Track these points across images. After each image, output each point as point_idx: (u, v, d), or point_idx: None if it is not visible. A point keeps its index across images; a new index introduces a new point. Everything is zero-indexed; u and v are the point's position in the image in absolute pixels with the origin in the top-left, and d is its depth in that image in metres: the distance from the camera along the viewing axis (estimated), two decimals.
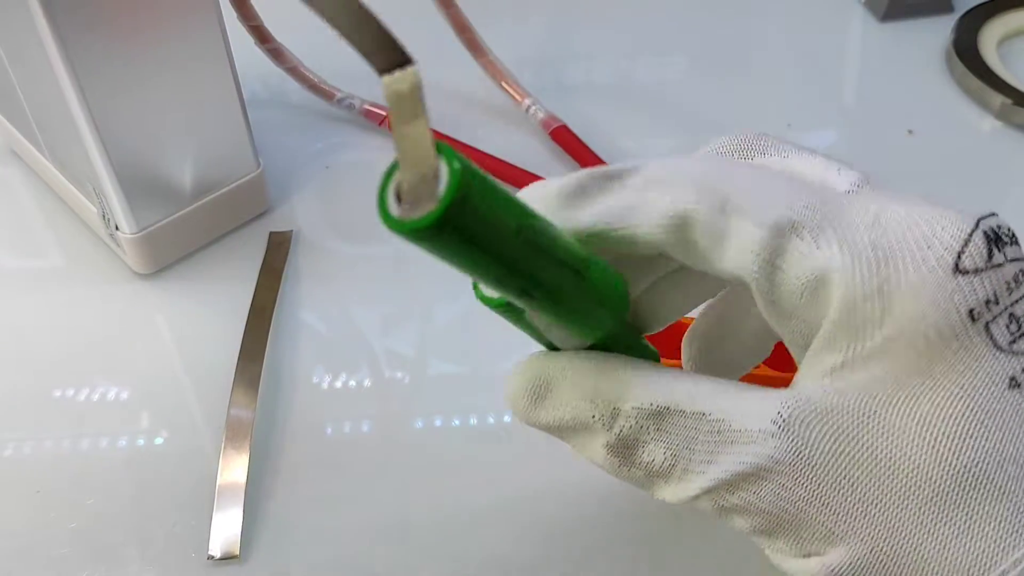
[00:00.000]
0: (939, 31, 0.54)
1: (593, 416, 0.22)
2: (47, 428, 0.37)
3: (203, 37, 0.38)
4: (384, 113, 0.47)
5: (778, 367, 0.34)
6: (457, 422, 0.37)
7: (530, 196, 0.21)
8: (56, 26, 0.33)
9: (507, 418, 0.37)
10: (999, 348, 0.19)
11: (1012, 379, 0.19)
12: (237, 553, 0.32)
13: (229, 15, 0.42)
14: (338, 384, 0.38)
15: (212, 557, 0.32)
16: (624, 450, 0.22)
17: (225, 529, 0.33)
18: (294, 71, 0.49)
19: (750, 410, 0.20)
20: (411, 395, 0.38)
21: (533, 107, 0.48)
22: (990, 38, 0.52)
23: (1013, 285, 0.19)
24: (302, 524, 0.33)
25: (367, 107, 0.48)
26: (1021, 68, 0.51)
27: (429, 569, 0.32)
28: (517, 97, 0.47)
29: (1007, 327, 0.19)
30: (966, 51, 0.51)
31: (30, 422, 0.37)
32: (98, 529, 0.33)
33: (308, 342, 0.40)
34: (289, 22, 0.47)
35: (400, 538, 0.33)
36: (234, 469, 0.34)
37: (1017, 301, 0.19)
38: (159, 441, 0.36)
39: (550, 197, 0.21)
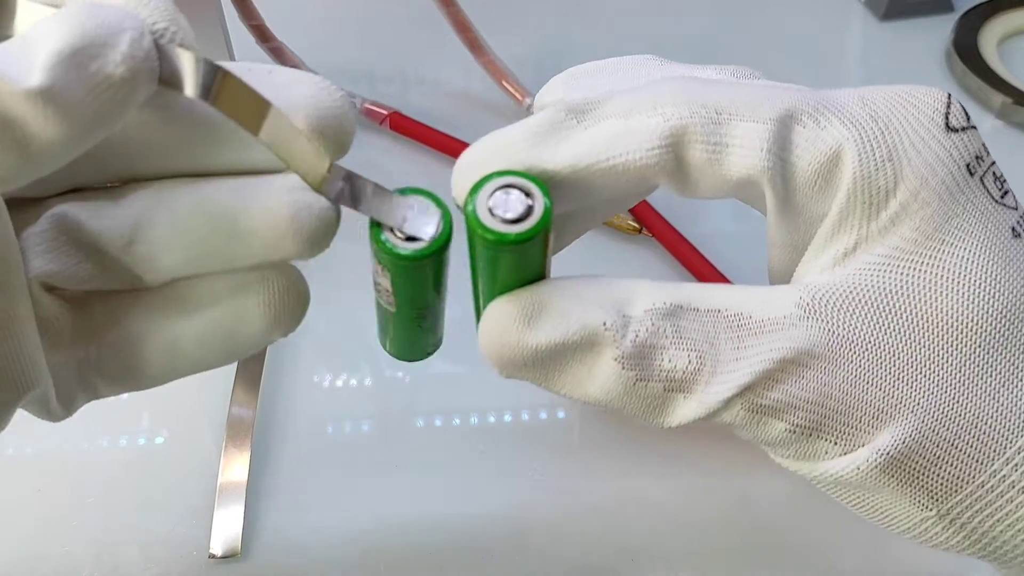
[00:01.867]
0: (939, 30, 0.54)
1: (604, 323, 0.19)
2: (48, 427, 0.37)
3: (205, 36, 0.38)
4: (385, 112, 0.47)
5: None
6: (457, 421, 0.37)
7: (492, 146, 0.20)
8: None
9: (508, 417, 0.37)
10: (995, 201, 0.20)
11: (1012, 229, 0.20)
12: (238, 552, 0.32)
13: (230, 14, 0.42)
14: (339, 383, 0.38)
15: (213, 556, 0.32)
16: (641, 360, 0.19)
17: (226, 528, 0.33)
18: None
19: (767, 300, 0.20)
20: (411, 394, 0.38)
21: (534, 106, 0.48)
22: (990, 37, 0.52)
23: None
24: (303, 523, 0.33)
25: (368, 106, 0.48)
26: (1021, 67, 0.51)
27: (429, 568, 0.32)
28: (518, 96, 0.47)
29: (994, 183, 0.20)
30: (966, 50, 0.51)
31: (30, 421, 0.37)
32: (99, 528, 0.33)
33: (309, 341, 0.40)
34: (290, 21, 0.47)
35: (401, 537, 0.33)
36: (235, 468, 0.34)
37: (993, 161, 0.20)
38: (160, 440, 0.36)
39: (517, 141, 0.20)
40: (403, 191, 0.20)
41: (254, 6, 0.46)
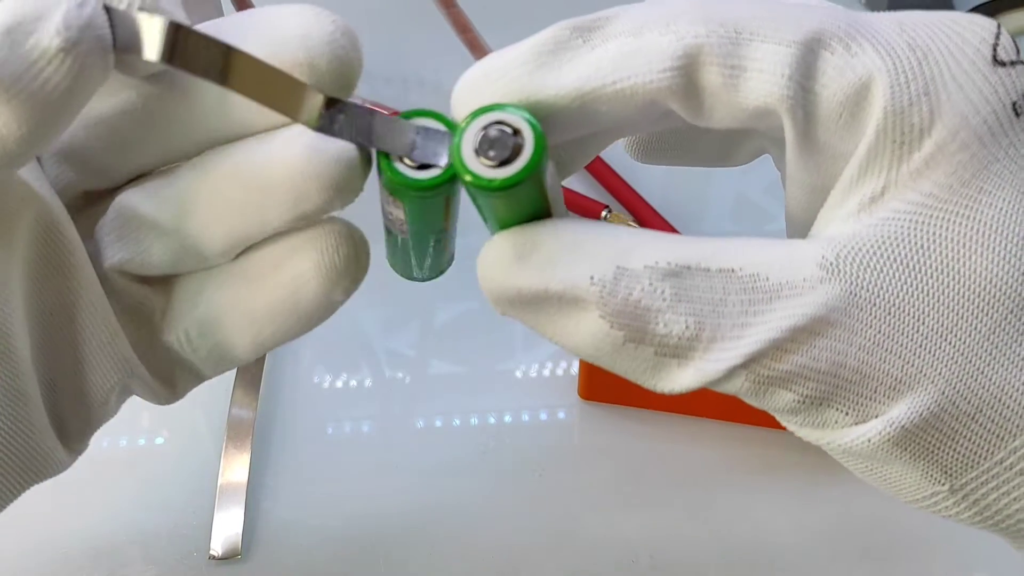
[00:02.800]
0: None
1: (592, 276, 0.17)
2: None
3: None
4: (386, 112, 0.47)
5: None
6: (458, 422, 0.37)
7: (491, 69, 0.19)
8: None
9: (507, 417, 0.37)
10: None
11: None
12: (239, 552, 0.32)
13: (230, 13, 0.42)
14: (339, 384, 0.38)
15: (214, 556, 0.32)
16: (631, 321, 0.17)
17: (227, 528, 0.33)
18: None
19: (787, 259, 0.17)
20: (411, 395, 0.38)
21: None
22: None
23: None
24: (303, 523, 0.33)
25: (367, 105, 0.48)
26: None
27: (430, 568, 0.32)
28: None
29: None
30: None
31: None
32: (100, 528, 0.33)
33: (309, 342, 0.40)
34: None
35: (401, 537, 0.33)
36: (235, 468, 0.34)
37: None
38: (160, 440, 0.36)
39: (521, 62, 0.18)
40: (408, 115, 0.18)
41: (254, 6, 0.46)
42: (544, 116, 0.18)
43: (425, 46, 0.50)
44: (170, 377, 0.22)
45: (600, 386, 0.37)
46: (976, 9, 0.53)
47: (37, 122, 0.17)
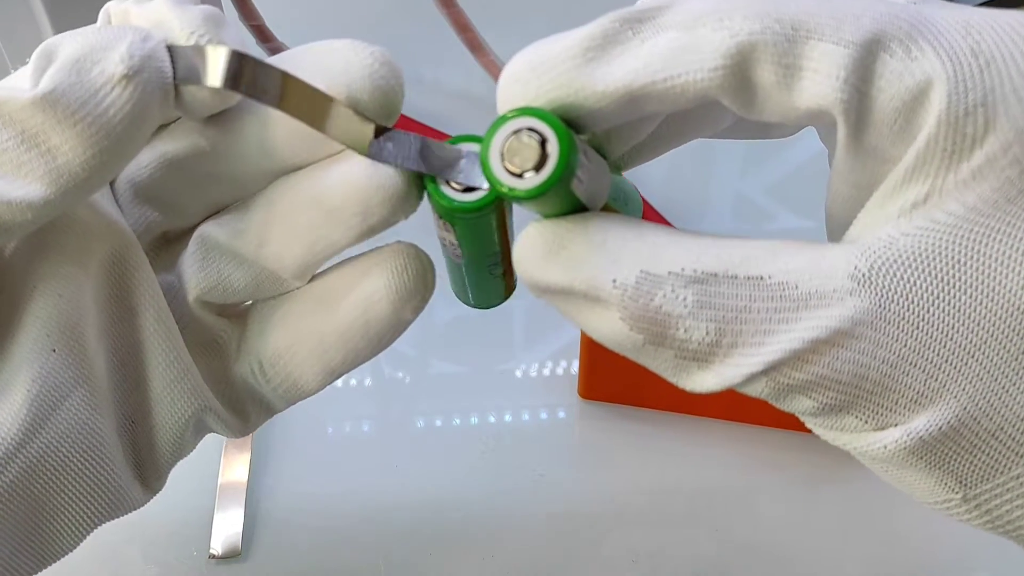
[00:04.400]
0: None
1: (614, 280, 0.18)
2: None
3: None
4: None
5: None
6: (458, 421, 0.37)
7: (537, 62, 0.18)
8: (58, 26, 0.33)
9: (508, 417, 0.37)
10: None
11: None
12: (239, 552, 0.32)
13: (231, 14, 0.42)
14: (339, 384, 0.38)
15: (214, 555, 0.32)
16: (652, 326, 0.18)
17: (227, 527, 0.33)
18: None
19: (818, 267, 0.17)
20: (411, 395, 0.38)
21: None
22: None
23: None
24: (303, 523, 0.33)
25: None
26: None
27: (430, 568, 0.32)
28: None
29: None
30: None
31: None
32: (100, 527, 0.33)
33: None
34: (290, 21, 0.47)
35: (401, 537, 0.33)
36: (235, 468, 0.34)
37: None
38: None
39: (569, 56, 0.18)
40: (454, 140, 0.19)
41: (254, 6, 0.46)
42: (590, 111, 0.18)
43: (425, 46, 0.51)
44: (243, 410, 0.23)
45: (600, 386, 0.37)
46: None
47: (102, 147, 0.18)
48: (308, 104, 0.19)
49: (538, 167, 0.17)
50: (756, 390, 0.18)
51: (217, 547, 0.32)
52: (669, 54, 0.17)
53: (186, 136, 0.21)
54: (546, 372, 0.39)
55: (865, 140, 0.18)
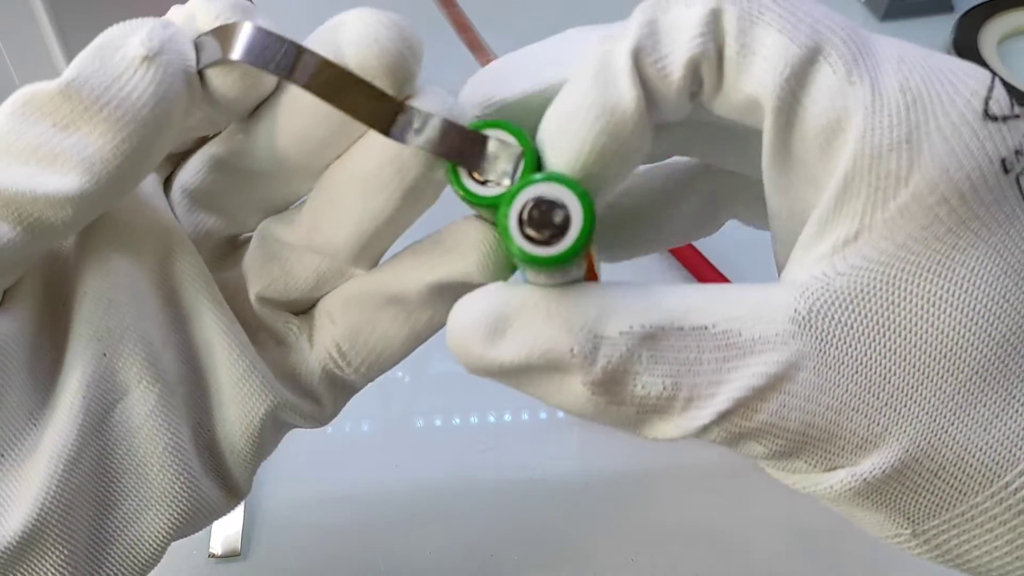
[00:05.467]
0: (940, 30, 0.54)
1: (572, 349, 0.17)
2: None
3: None
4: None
5: None
6: (458, 421, 0.37)
7: (560, 127, 0.18)
8: (59, 25, 0.33)
9: (507, 417, 0.37)
10: None
11: None
12: (238, 551, 0.32)
13: None
14: None
15: (213, 555, 0.32)
16: (612, 386, 0.17)
17: (226, 527, 0.33)
18: None
19: (760, 312, 0.17)
20: (411, 394, 0.38)
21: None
22: (990, 37, 0.52)
23: None
24: (303, 522, 0.33)
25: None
26: (1021, 67, 0.51)
27: (429, 568, 0.32)
28: None
29: None
30: (966, 50, 0.51)
31: None
32: None
33: None
34: (290, 23, 0.47)
35: (401, 537, 0.33)
36: None
37: None
38: None
39: (582, 114, 0.17)
40: (479, 125, 0.18)
41: (253, 3, 0.46)
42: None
43: (425, 46, 0.50)
44: (320, 399, 0.23)
45: None
46: (976, 9, 0.53)
47: (129, 131, 0.18)
48: (326, 79, 0.18)
49: (557, 235, 0.16)
50: (711, 438, 0.18)
51: (217, 547, 0.32)
52: (660, 35, 0.17)
53: (231, 137, 0.21)
54: None
55: (790, 149, 0.18)
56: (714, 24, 0.17)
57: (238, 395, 0.21)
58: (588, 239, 0.16)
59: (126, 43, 0.18)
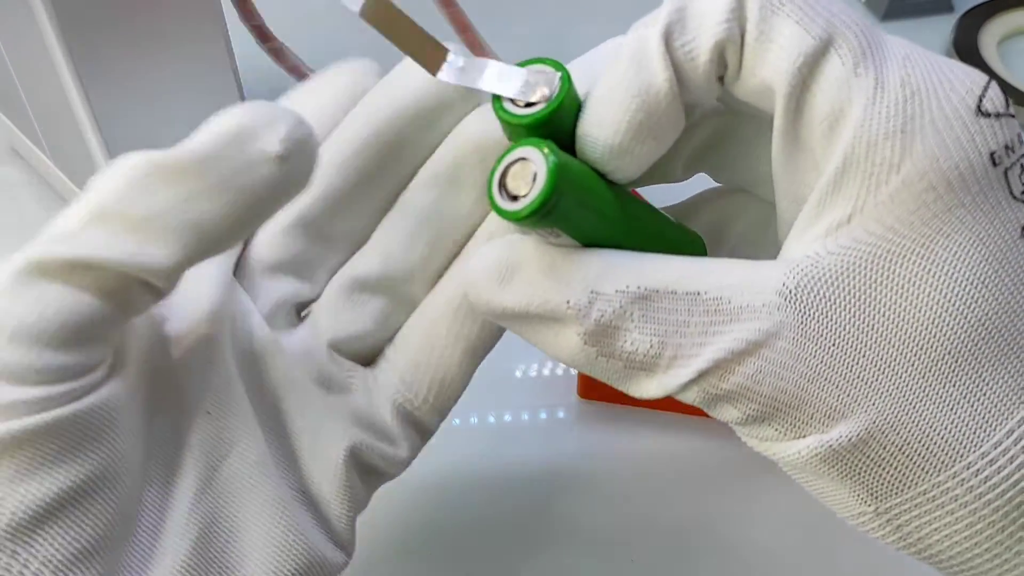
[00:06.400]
0: (940, 30, 0.54)
1: (568, 301, 0.19)
2: None
3: (205, 37, 0.38)
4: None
5: None
6: (457, 422, 0.37)
7: (606, 110, 0.19)
8: (59, 25, 0.33)
9: (507, 417, 0.37)
10: (1014, 197, 0.18)
11: (1023, 228, 0.18)
12: None
13: (231, 15, 0.42)
14: None
15: None
16: (602, 339, 0.19)
17: None
18: (295, 70, 0.49)
19: (751, 283, 0.18)
20: None
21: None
22: (990, 37, 0.52)
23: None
24: None
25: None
26: (1021, 67, 0.51)
27: (429, 569, 0.32)
28: None
29: (1019, 177, 0.18)
30: (966, 50, 0.51)
31: None
32: None
33: None
34: (290, 21, 0.47)
35: (400, 537, 0.33)
36: None
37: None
38: None
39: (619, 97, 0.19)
40: (523, 63, 0.19)
41: (254, 6, 0.46)
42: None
43: None
44: (395, 438, 0.24)
45: (600, 386, 0.37)
46: (976, 9, 0.53)
47: (245, 216, 0.19)
48: (396, 24, 0.19)
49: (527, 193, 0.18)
50: (690, 397, 0.19)
51: None
52: (685, 16, 0.19)
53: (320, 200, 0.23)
54: (545, 372, 0.39)
55: (798, 133, 0.19)
56: (738, 11, 0.18)
57: (316, 445, 0.22)
58: (544, 202, 0.18)
59: (266, 137, 0.19)
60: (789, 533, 0.34)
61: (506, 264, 0.20)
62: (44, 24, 0.33)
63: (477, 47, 0.48)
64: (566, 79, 0.19)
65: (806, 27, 0.18)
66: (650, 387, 0.19)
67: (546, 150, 0.18)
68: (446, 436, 0.38)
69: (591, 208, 0.19)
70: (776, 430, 0.19)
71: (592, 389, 0.37)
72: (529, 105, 0.19)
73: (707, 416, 0.37)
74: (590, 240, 0.20)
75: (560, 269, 0.19)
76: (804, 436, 0.19)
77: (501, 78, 0.19)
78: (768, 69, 0.18)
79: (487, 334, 0.24)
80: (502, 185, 0.18)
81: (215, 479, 0.21)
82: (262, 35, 0.47)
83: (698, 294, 0.19)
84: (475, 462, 0.35)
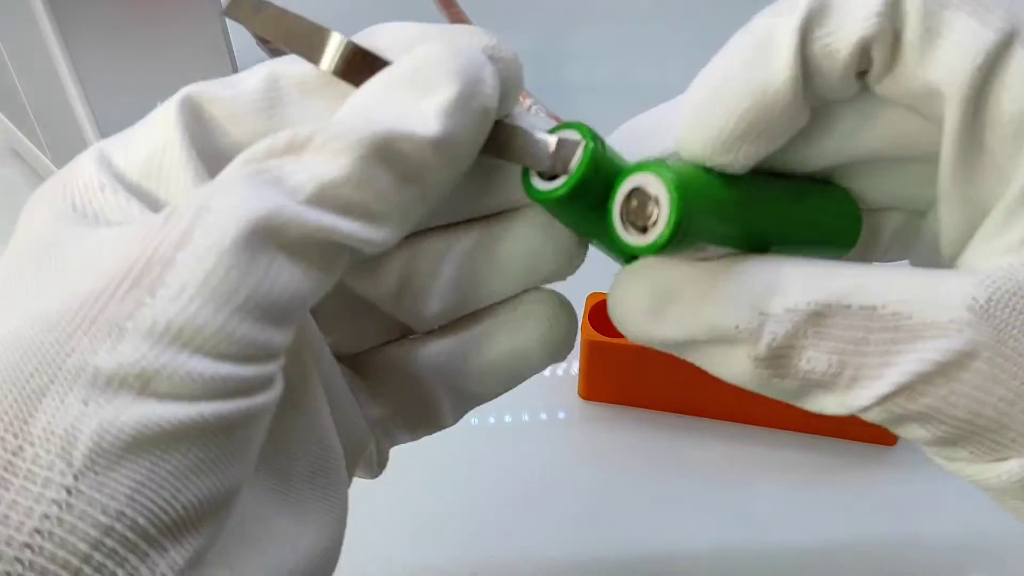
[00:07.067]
0: None
1: (736, 326, 0.17)
2: None
3: (205, 36, 0.38)
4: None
5: None
6: None
7: (714, 90, 0.18)
8: (58, 24, 0.33)
9: (507, 418, 0.37)
10: None
11: None
12: None
13: None
14: None
15: None
16: (776, 360, 0.17)
17: None
18: None
19: (934, 297, 0.17)
20: None
21: (534, 107, 0.48)
22: None
23: None
24: None
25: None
26: None
27: (428, 569, 0.32)
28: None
29: None
30: None
31: None
32: None
33: None
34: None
35: (399, 538, 0.33)
36: None
37: None
38: None
39: (735, 75, 0.17)
40: (553, 129, 0.18)
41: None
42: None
43: None
44: (380, 450, 0.23)
45: (600, 386, 0.37)
46: None
47: (456, 175, 0.17)
48: (262, 18, 0.18)
49: (649, 227, 0.17)
50: (873, 417, 0.17)
51: None
52: (824, 5, 0.17)
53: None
54: (546, 373, 0.39)
55: (978, 136, 0.17)
56: (895, 4, 0.16)
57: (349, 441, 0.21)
58: (676, 230, 0.16)
59: (480, 90, 0.17)
60: (789, 533, 0.34)
61: (658, 293, 0.18)
62: (44, 24, 0.33)
63: None
64: (590, 147, 0.17)
65: (982, 20, 0.16)
66: (830, 404, 0.18)
67: (659, 171, 0.17)
68: (446, 436, 0.38)
69: (725, 212, 0.18)
70: (971, 452, 0.17)
71: (593, 390, 0.37)
72: (553, 178, 0.17)
73: (709, 417, 0.37)
74: (737, 243, 0.18)
75: (721, 290, 0.17)
76: (1006, 459, 0.17)
77: (534, 151, 0.18)
78: (938, 69, 0.16)
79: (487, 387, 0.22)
80: (625, 221, 0.17)
81: None
82: (262, 36, 0.47)
83: (874, 308, 0.17)
84: (475, 462, 0.35)
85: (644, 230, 0.16)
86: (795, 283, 0.17)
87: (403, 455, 0.36)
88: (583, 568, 0.32)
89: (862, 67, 0.17)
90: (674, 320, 0.18)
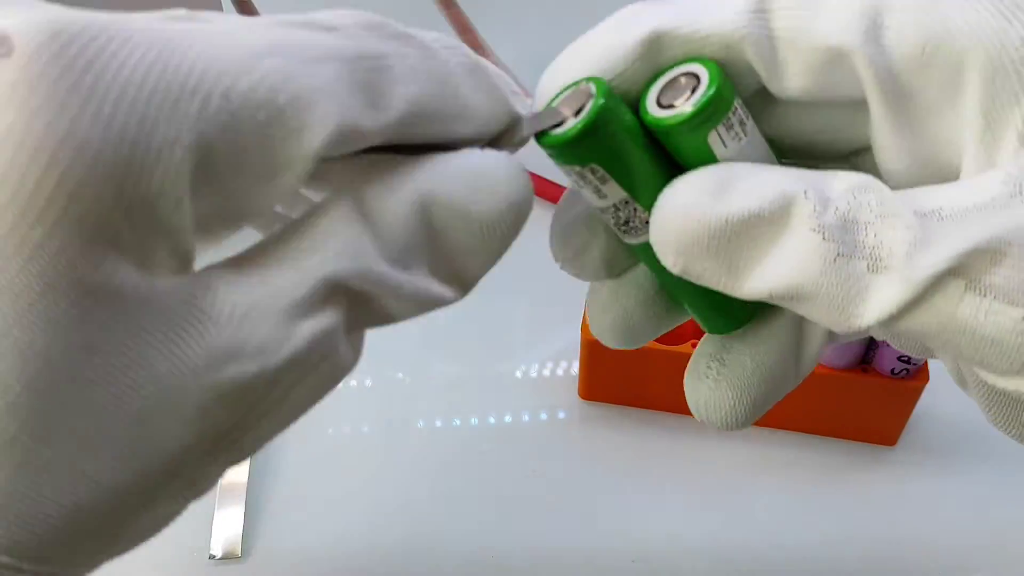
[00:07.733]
0: None
1: (804, 192, 0.16)
2: None
3: None
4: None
5: None
6: (458, 422, 0.37)
7: (575, 54, 0.19)
8: None
9: (508, 418, 0.37)
10: None
11: None
12: (238, 553, 0.32)
13: (231, 13, 0.42)
14: (339, 384, 0.38)
15: (213, 556, 0.32)
16: (843, 233, 0.16)
17: (226, 529, 0.33)
18: None
19: (958, 192, 0.16)
20: (412, 396, 0.38)
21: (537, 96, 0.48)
22: None
23: None
24: (303, 524, 0.33)
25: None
26: None
27: (429, 568, 0.32)
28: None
29: None
30: None
31: None
32: None
33: None
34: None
35: (400, 538, 0.33)
36: (235, 469, 0.34)
37: None
38: None
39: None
40: (565, 88, 0.19)
41: (254, 6, 0.46)
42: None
43: None
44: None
45: (600, 387, 0.37)
46: None
47: None
48: None
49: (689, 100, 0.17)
50: (949, 303, 0.16)
51: (217, 548, 0.32)
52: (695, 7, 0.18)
53: None
54: (546, 373, 0.39)
55: (896, 77, 0.17)
56: (760, 4, 0.17)
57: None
58: (719, 89, 0.17)
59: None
60: (789, 533, 0.34)
61: (721, 175, 0.17)
62: None
63: (478, 48, 0.48)
64: (601, 89, 0.17)
65: None
66: (891, 293, 0.16)
67: (707, 61, 0.17)
68: (446, 436, 0.38)
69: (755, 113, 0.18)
70: None
71: (593, 390, 0.37)
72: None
73: None
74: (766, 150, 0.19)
75: (782, 170, 0.17)
76: None
77: (537, 122, 0.18)
78: (826, 36, 0.17)
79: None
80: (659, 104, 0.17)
81: None
82: None
83: (917, 201, 0.17)
84: (475, 462, 0.35)
85: (672, 108, 0.17)
86: (847, 173, 0.17)
87: (403, 454, 0.36)
88: (583, 567, 0.32)
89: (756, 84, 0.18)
90: (739, 194, 0.17)
